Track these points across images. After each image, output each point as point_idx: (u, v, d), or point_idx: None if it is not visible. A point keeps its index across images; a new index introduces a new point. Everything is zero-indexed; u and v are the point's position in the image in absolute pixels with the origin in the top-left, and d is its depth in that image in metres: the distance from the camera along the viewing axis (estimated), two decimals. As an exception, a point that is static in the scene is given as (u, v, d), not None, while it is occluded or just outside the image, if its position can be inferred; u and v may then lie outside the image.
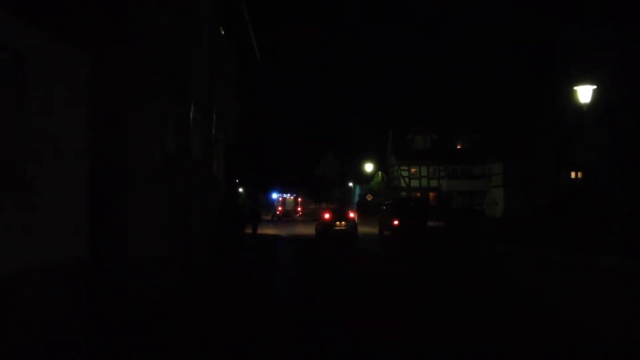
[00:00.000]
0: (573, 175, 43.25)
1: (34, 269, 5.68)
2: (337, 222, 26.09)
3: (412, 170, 51.54)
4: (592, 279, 11.82)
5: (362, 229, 37.10)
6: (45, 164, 5.97)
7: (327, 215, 26.70)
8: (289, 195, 60.85)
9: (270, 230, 32.76)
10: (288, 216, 57.00)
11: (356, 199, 53.82)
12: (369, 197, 46.43)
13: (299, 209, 60.71)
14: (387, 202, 31.80)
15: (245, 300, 9.17)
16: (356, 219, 28.00)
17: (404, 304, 8.98)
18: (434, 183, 51.24)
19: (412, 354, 6.00)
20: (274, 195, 62.54)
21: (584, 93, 17.38)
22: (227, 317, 7.77)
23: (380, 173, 52.19)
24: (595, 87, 17.49)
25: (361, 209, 47.57)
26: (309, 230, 32.29)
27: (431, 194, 50.63)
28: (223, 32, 17.18)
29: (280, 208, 57.86)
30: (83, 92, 6.83)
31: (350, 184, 62.07)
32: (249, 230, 25.52)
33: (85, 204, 6.85)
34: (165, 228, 9.80)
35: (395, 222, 26.34)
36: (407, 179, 51.35)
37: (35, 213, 5.77)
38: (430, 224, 29.20)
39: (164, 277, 9.48)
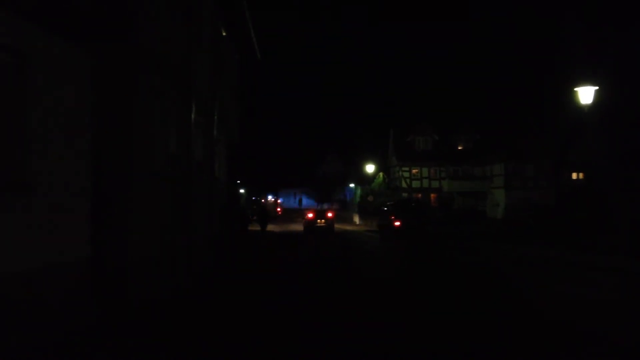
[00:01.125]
0: (574, 176, 43.30)
1: (36, 268, 5.69)
2: (319, 220, 33.39)
3: (414, 171, 51.51)
4: (594, 279, 11.79)
5: (363, 230, 37.32)
6: (47, 164, 5.98)
7: (310, 215, 34.10)
8: (270, 197, 68.72)
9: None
10: (269, 216, 63.21)
11: (357, 199, 53.78)
12: (370, 198, 46.41)
13: (279, 209, 68.09)
14: (388, 203, 31.80)
15: (246, 302, 9.17)
16: (334, 218, 34.83)
17: (404, 304, 8.97)
18: (435, 184, 51.21)
19: (412, 354, 6.00)
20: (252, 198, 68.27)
21: (586, 94, 17.35)
22: (228, 317, 7.77)
23: (381, 174, 52.14)
24: (596, 88, 17.47)
25: (362, 210, 47.54)
26: (291, 226, 40.81)
27: (432, 195, 50.63)
28: (224, 33, 17.19)
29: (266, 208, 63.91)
30: (85, 92, 6.85)
31: (352, 185, 62.07)
32: (256, 228, 28.33)
33: (87, 204, 6.87)
34: (167, 228, 9.81)
35: (397, 223, 26.33)
36: (408, 180, 51.33)
37: (37, 213, 5.78)
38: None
39: (165, 277, 9.49)
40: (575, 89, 17.68)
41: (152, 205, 8.90)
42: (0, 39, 5.35)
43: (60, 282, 6.18)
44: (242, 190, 44.93)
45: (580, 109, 18.00)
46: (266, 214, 30.48)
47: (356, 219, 49.65)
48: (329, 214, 34.41)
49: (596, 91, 17.44)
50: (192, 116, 11.50)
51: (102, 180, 7.49)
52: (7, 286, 5.26)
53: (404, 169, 51.46)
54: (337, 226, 38.79)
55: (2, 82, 5.49)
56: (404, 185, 50.90)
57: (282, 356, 5.91)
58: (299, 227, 37.69)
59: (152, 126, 9.07)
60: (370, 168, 49.48)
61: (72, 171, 6.54)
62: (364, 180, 53.42)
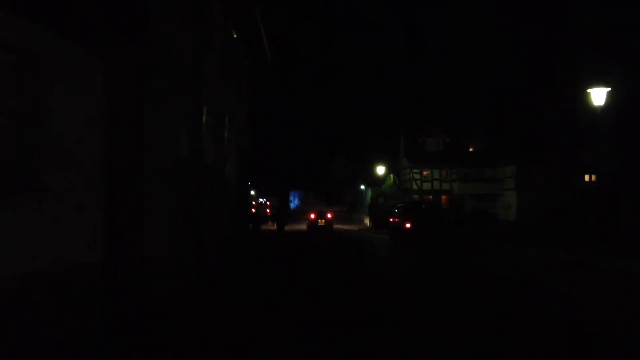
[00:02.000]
0: (587, 178, 42.99)
1: (48, 269, 5.75)
2: (319, 220, 38.90)
3: (424, 173, 51.35)
4: (604, 281, 11.71)
5: (373, 232, 37.39)
6: (60, 166, 6.05)
7: (312, 216, 39.61)
8: (260, 199, 72.66)
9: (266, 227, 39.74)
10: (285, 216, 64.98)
11: (368, 201, 53.73)
12: (381, 200, 46.34)
13: (268, 210, 70.13)
14: (398, 205, 31.70)
15: (251, 300, 9.21)
16: (333, 219, 40.53)
17: (408, 304, 8.96)
18: (446, 186, 51.03)
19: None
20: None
21: (598, 95, 17.24)
22: (236, 315, 7.82)
23: (392, 176, 52.01)
24: (609, 89, 17.35)
25: (373, 211, 47.49)
26: (295, 226, 44.35)
27: (443, 197, 50.47)
28: (235, 36, 17.28)
29: (253, 210, 63.76)
30: (98, 95, 6.92)
31: (362, 187, 62.01)
32: (272, 227, 31.08)
33: (100, 207, 6.93)
34: (178, 228, 9.88)
35: (407, 225, 26.25)
36: (419, 182, 51.18)
37: (51, 216, 5.85)
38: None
39: (177, 277, 9.56)
40: (588, 90, 17.58)
41: (163, 206, 8.97)
42: (14, 42, 5.42)
43: (73, 283, 6.25)
44: (252, 192, 45.45)
45: (592, 110, 17.90)
46: (283, 214, 33.60)
47: (366, 221, 49.61)
48: (329, 215, 40.02)
49: (608, 92, 17.33)
50: (203, 118, 11.57)
51: (115, 182, 7.57)
52: (24, 287, 5.33)
53: (414, 170, 51.33)
54: (346, 227, 43.34)
55: (16, 84, 5.56)
56: (414, 187, 50.78)
57: (287, 348, 5.97)
58: (302, 226, 42.49)
59: (164, 127, 9.15)
60: (380, 170, 49.41)
61: (85, 173, 6.61)
62: (374, 182, 53.32)
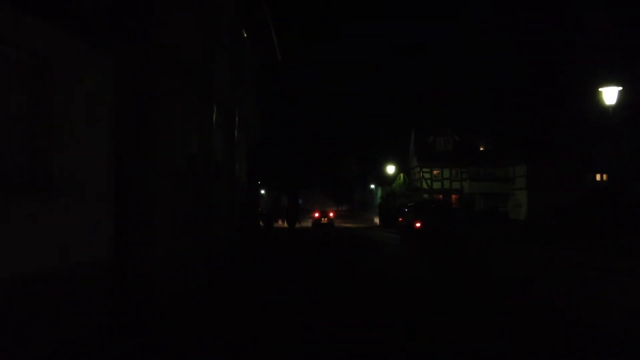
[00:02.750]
0: (598, 177, 42.71)
1: (57, 269, 5.79)
2: (323, 219, 43.82)
3: (434, 172, 51.22)
4: (610, 282, 11.63)
5: (383, 231, 37.35)
6: (70, 165, 6.08)
7: (316, 215, 44.55)
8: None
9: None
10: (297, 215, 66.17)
11: (378, 200, 53.65)
12: (392, 199, 46.30)
13: (260, 209, 71.79)
14: (408, 204, 31.60)
15: (262, 301, 9.25)
16: (335, 217, 45.70)
17: (413, 303, 8.95)
18: (456, 185, 50.86)
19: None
20: None
21: (610, 94, 17.10)
22: (245, 316, 7.85)
23: (402, 175, 51.94)
24: (620, 88, 17.20)
25: (383, 210, 47.45)
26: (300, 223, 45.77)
27: (454, 196, 50.30)
28: (245, 35, 17.33)
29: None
30: (107, 94, 6.96)
31: (372, 186, 61.95)
32: (284, 225, 32.25)
33: (109, 204, 6.98)
34: (187, 226, 9.93)
35: (417, 224, 26.18)
36: (429, 181, 51.05)
37: (60, 214, 5.88)
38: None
39: (186, 275, 9.62)
40: (600, 89, 17.45)
41: (173, 205, 9.02)
42: (22, 40, 5.48)
43: (80, 282, 6.29)
44: (262, 191, 45.77)
45: (604, 109, 17.76)
46: (295, 213, 34.49)
47: (376, 220, 49.58)
48: (331, 214, 45.35)
49: (620, 91, 17.18)
50: (213, 116, 11.62)
51: (124, 181, 7.62)
52: (32, 285, 5.38)
53: (424, 169, 51.20)
54: (355, 226, 46.21)
55: (25, 83, 5.62)
56: (424, 186, 50.64)
57: (294, 347, 6.01)
58: (307, 223, 45.84)
59: (173, 126, 9.20)
60: (390, 169, 49.37)
61: (95, 171, 6.65)
62: (384, 181, 53.28)
